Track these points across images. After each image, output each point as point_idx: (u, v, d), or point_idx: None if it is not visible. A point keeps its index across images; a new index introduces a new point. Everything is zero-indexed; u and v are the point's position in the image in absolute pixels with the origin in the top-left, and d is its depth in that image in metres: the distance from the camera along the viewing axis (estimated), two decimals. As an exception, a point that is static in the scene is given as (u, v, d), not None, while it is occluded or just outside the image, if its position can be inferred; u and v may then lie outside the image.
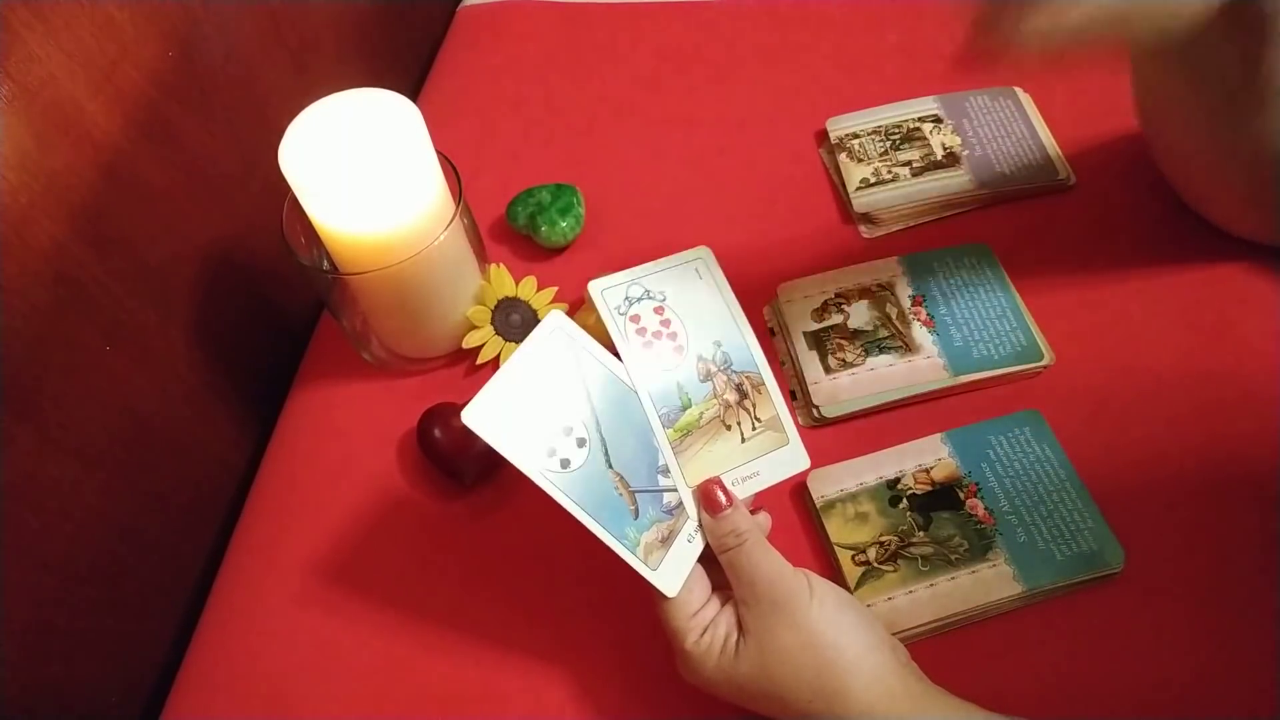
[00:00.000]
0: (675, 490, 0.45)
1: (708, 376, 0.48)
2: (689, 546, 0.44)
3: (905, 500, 0.52)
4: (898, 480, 0.53)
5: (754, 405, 0.49)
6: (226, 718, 0.51)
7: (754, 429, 0.48)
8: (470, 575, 0.54)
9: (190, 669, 0.54)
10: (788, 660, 0.41)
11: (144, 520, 0.55)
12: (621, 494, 0.43)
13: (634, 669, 0.50)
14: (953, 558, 0.50)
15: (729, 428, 0.47)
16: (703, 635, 0.42)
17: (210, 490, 0.62)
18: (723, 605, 0.44)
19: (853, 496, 0.53)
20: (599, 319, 0.47)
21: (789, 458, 0.48)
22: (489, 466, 0.56)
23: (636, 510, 0.43)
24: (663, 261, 0.49)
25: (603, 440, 0.44)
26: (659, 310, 0.48)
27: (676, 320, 0.48)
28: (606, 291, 0.47)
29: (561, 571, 0.53)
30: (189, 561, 0.60)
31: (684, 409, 0.46)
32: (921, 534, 0.51)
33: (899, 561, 0.50)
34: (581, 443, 0.43)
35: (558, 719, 0.49)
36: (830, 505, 0.52)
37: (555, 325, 0.45)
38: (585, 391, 0.44)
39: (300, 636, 0.53)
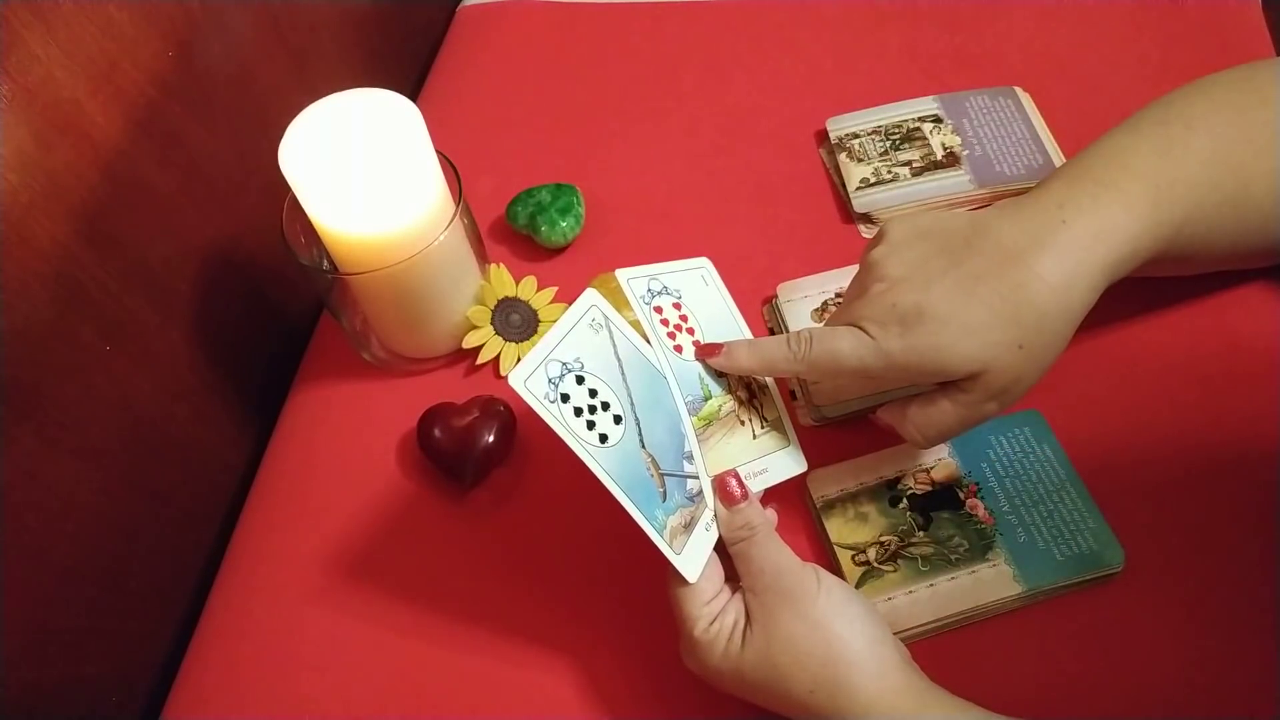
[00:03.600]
0: (697, 477, 0.45)
1: (721, 373, 0.48)
2: (707, 535, 0.44)
3: (905, 500, 0.52)
4: (898, 480, 0.53)
5: (761, 405, 0.49)
6: (226, 718, 0.52)
7: (763, 427, 0.49)
8: (470, 575, 0.54)
9: (190, 669, 0.54)
10: (791, 649, 0.41)
11: (144, 520, 0.55)
12: (653, 475, 0.43)
13: (638, 664, 0.50)
14: (953, 558, 0.50)
15: (743, 423, 0.48)
16: (712, 624, 0.43)
17: (210, 490, 0.62)
18: (732, 595, 0.44)
19: (853, 496, 0.53)
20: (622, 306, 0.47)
21: (789, 460, 0.49)
22: (489, 466, 0.56)
23: (665, 493, 0.43)
24: (672, 264, 0.50)
25: (637, 420, 0.44)
26: (677, 306, 0.49)
27: (693, 317, 0.49)
28: (633, 280, 0.48)
29: (561, 571, 0.53)
30: (189, 561, 0.60)
31: (705, 399, 0.47)
32: (921, 534, 0.51)
33: (899, 561, 0.50)
34: (618, 420, 0.43)
35: (559, 716, 0.49)
36: (830, 505, 0.52)
37: (592, 301, 0.45)
38: (620, 370, 0.44)
39: (300, 636, 0.53)
